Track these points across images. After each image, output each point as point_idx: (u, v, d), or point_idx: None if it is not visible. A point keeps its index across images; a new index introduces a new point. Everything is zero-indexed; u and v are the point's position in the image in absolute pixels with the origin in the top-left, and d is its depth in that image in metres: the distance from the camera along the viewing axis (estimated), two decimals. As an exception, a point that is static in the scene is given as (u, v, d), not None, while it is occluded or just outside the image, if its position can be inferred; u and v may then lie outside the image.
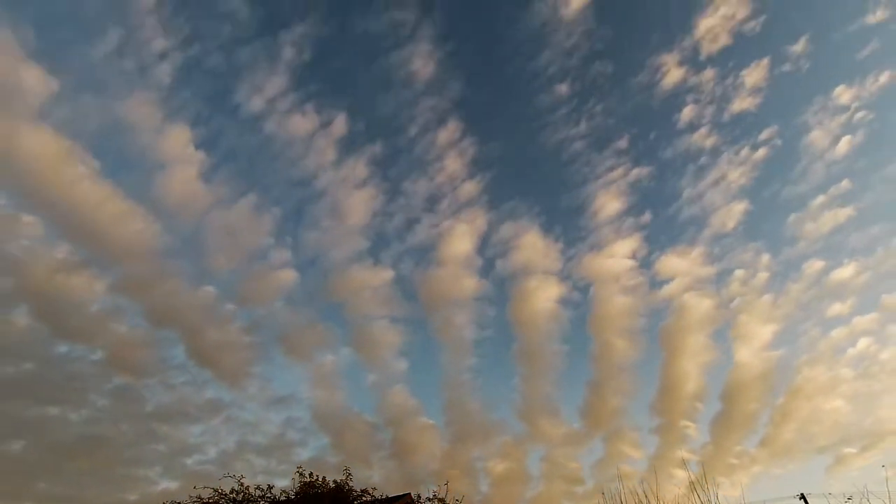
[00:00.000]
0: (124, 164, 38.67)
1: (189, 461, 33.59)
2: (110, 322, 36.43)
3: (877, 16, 34.67)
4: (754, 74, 37.10)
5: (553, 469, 36.44)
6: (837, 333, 39.89)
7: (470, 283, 43.04)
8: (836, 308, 39.64)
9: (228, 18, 37.21)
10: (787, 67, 36.41)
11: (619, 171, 39.80)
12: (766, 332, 39.66)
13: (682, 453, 14.88)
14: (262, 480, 20.17)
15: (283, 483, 19.64)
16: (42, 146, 32.34)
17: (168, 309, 37.27)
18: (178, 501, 20.32)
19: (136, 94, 37.28)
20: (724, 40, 35.12)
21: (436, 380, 45.31)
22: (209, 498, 20.14)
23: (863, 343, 39.04)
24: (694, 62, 35.37)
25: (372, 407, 39.38)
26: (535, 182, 42.07)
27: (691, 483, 13.43)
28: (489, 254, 43.21)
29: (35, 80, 32.82)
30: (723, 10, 33.83)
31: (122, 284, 37.24)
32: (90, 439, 32.49)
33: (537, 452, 37.35)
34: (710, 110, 36.10)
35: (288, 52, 37.50)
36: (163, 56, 37.62)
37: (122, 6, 35.82)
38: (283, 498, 21.00)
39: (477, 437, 37.92)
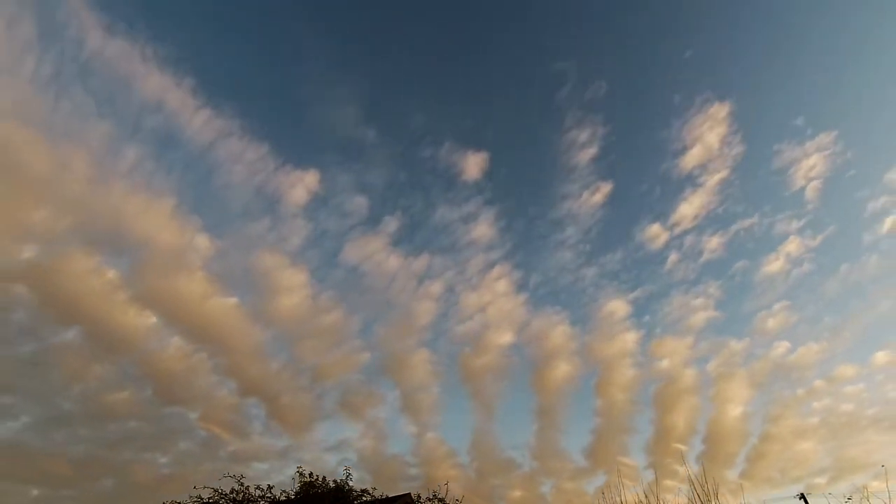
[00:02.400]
0: (253, 293, 55.39)
1: (248, 490, 38.94)
2: (209, 392, 47.83)
3: (807, 208, 54.72)
4: (721, 238, 57.68)
5: (562, 495, 43.34)
6: (802, 392, 49.10)
7: (503, 361, 56.19)
8: (801, 375, 50.26)
9: (351, 214, 61.99)
10: (743, 234, 57.74)
11: (623, 293, 58.86)
12: (742, 394, 48.78)
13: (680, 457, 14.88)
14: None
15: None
16: (196, 285, 48.04)
17: (258, 384, 48.96)
18: (177, 501, 20.27)
19: (274, 252, 55.29)
20: (697, 220, 57.91)
21: (466, 429, 58.28)
22: (209, 498, 20.09)
23: (826, 400, 48.13)
24: (675, 232, 58.50)
25: (410, 450, 50.78)
26: (562, 300, 64.09)
27: (691, 482, 13.45)
28: (522, 341, 58.67)
29: (203, 244, 50.54)
30: (696, 202, 57.48)
31: (225, 367, 49.35)
32: (171, 477, 39.86)
33: (549, 484, 46.87)
34: (688, 259, 58.48)
35: (389, 228, 61.43)
36: (297, 232, 58.60)
37: (275, 206, 57.77)
38: (283, 498, 20.95)
39: (497, 473, 46.18)
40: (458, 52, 66.55)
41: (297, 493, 20.74)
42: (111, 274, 44.72)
